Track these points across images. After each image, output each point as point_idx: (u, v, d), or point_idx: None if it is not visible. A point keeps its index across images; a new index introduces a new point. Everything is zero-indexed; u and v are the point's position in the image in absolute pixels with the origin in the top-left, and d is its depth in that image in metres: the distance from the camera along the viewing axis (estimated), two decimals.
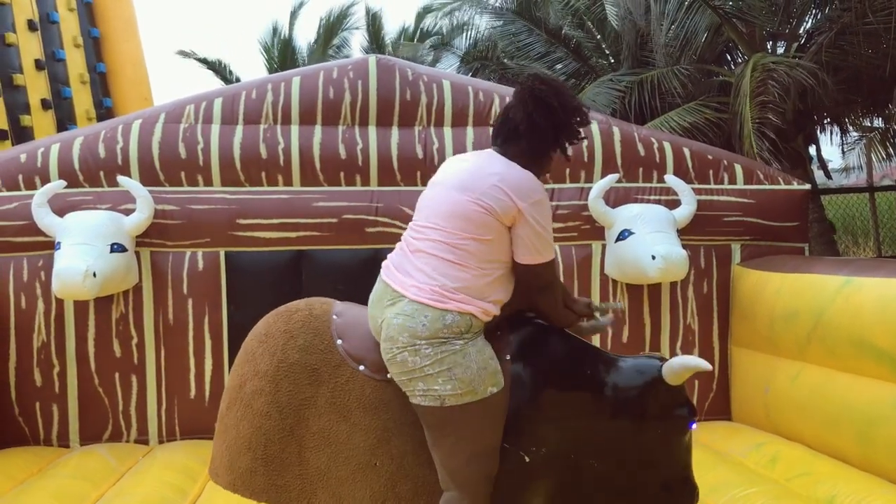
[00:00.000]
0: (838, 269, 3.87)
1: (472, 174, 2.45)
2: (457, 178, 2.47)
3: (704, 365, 2.43)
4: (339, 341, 2.61)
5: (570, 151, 2.55)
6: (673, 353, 4.73)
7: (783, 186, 4.88)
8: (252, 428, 2.61)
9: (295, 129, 4.64)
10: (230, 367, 4.40)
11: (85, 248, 4.05)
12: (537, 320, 2.65)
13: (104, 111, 9.28)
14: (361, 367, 2.57)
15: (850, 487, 3.30)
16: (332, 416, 2.54)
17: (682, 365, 2.46)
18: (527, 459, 2.48)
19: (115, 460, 4.03)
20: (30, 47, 7.81)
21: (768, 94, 7.61)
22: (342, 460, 2.54)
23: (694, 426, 2.58)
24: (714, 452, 3.98)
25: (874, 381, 3.49)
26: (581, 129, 2.54)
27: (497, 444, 2.44)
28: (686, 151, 4.85)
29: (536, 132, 2.44)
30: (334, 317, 2.68)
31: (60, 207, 4.29)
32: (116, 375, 4.43)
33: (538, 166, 2.50)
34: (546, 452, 2.49)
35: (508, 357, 2.53)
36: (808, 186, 5.02)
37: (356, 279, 4.39)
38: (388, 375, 2.51)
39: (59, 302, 4.34)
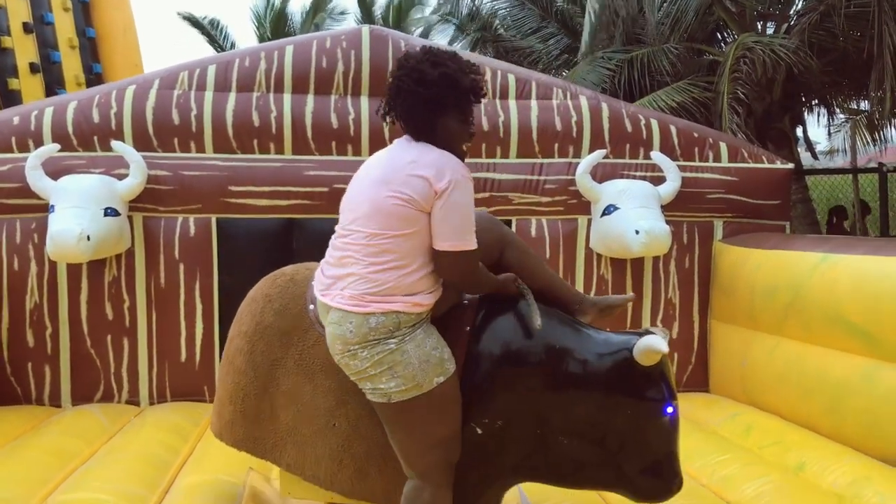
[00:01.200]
0: (816, 247, 3.98)
1: (388, 166, 2.36)
2: (375, 173, 2.38)
3: (657, 348, 2.34)
4: (311, 306, 2.65)
5: (471, 125, 2.40)
6: (654, 327, 4.84)
7: (766, 165, 4.98)
8: (233, 383, 2.77)
9: (287, 98, 4.68)
10: (220, 332, 4.50)
11: (79, 212, 4.11)
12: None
13: (93, 77, 9.24)
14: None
15: (819, 455, 3.43)
16: (298, 376, 2.64)
17: (646, 345, 2.37)
18: (479, 431, 2.48)
19: (106, 420, 4.12)
20: (18, 9, 7.77)
21: (740, 70, 7.72)
22: (306, 419, 2.64)
23: (670, 410, 2.44)
24: (691, 422, 4.11)
25: (846, 355, 3.62)
26: (467, 92, 2.35)
27: (454, 432, 2.41)
28: (672, 129, 4.93)
29: (415, 108, 2.33)
30: (313, 283, 2.76)
31: (54, 170, 4.33)
32: (108, 338, 4.50)
33: (447, 143, 2.35)
34: (502, 426, 2.48)
35: (468, 328, 2.53)
36: (790, 166, 5.12)
37: None
38: None
39: (53, 264, 4.40)
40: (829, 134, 11.49)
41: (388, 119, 2.40)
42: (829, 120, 10.57)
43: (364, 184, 2.41)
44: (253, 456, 2.81)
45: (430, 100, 2.30)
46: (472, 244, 2.33)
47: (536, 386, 2.48)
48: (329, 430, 2.61)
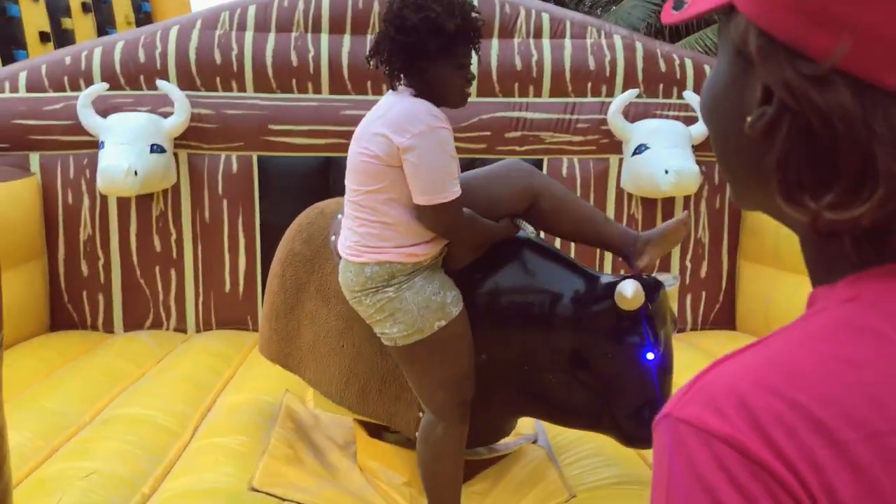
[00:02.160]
0: None
1: (365, 122, 2.35)
2: (357, 130, 2.39)
3: (625, 294, 2.35)
4: (333, 237, 2.80)
5: (470, 71, 2.32)
6: (682, 266, 4.93)
7: None
8: (269, 304, 3.04)
9: (325, 38, 4.80)
10: (262, 264, 4.73)
11: (127, 148, 4.31)
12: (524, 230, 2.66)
13: (143, 16, 9.44)
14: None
15: None
16: (318, 300, 2.85)
17: (619, 291, 2.38)
18: None
19: (155, 345, 4.39)
20: None
21: None
22: (323, 339, 2.86)
23: (650, 356, 2.44)
24: (712, 357, 4.21)
25: None
26: (454, 36, 2.24)
27: (463, 372, 2.44)
28: (707, 68, 4.93)
29: (394, 56, 2.26)
30: (339, 216, 2.93)
31: (103, 109, 4.54)
32: (157, 269, 4.75)
33: (438, 90, 2.29)
34: (487, 359, 2.57)
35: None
36: None
37: None
38: None
39: (104, 198, 4.64)
40: None
41: (371, 64, 2.34)
42: None
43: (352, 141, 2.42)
44: (285, 370, 3.07)
45: (410, 47, 2.21)
46: (447, 195, 2.25)
47: (520, 323, 2.55)
48: (339, 351, 2.80)
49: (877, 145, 0.51)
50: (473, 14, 2.29)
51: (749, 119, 0.56)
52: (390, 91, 2.36)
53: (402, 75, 2.29)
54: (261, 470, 2.71)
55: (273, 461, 2.82)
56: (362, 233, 2.34)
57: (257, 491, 2.59)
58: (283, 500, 2.57)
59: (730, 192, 0.68)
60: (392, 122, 2.22)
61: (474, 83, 2.47)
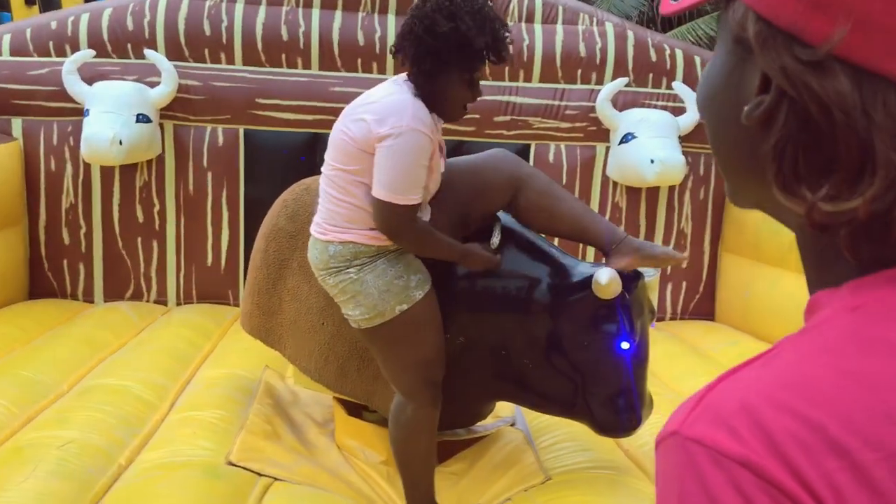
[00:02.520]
0: None
1: (356, 102, 2.34)
2: (346, 107, 2.38)
3: (601, 282, 2.37)
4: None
5: (477, 85, 2.28)
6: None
7: None
8: (252, 278, 3.04)
9: (316, 13, 4.76)
10: (245, 239, 4.71)
11: (112, 117, 4.27)
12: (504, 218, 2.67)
13: None
14: None
15: None
16: (301, 277, 2.85)
17: (595, 279, 2.40)
18: None
19: (135, 316, 4.38)
20: None
21: None
22: (304, 315, 2.87)
23: (625, 346, 2.47)
24: (689, 347, 4.27)
25: None
26: (479, 53, 2.21)
27: (429, 355, 2.42)
28: (697, 59, 4.94)
29: (419, 58, 2.22)
30: None
31: (89, 76, 4.48)
32: (139, 240, 4.73)
33: (443, 99, 2.28)
34: (465, 342, 2.58)
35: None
36: None
37: None
38: None
39: (87, 166, 4.60)
40: None
41: (396, 57, 2.31)
42: None
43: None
44: (265, 345, 3.08)
45: (435, 52, 2.19)
46: (401, 199, 2.21)
47: (497, 307, 2.56)
48: (319, 328, 2.81)
49: (875, 134, 0.50)
50: (503, 33, 2.24)
51: (746, 108, 0.55)
52: (393, 79, 2.34)
53: (416, 73, 2.26)
54: (238, 444, 2.72)
55: (250, 436, 2.82)
56: (331, 211, 2.35)
57: (234, 465, 2.60)
58: (260, 474, 2.59)
59: (727, 189, 0.67)
60: (378, 110, 2.21)
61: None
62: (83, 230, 4.68)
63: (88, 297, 4.73)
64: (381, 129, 2.18)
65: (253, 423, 2.93)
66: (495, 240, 2.55)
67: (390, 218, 2.25)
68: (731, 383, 0.53)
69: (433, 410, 2.49)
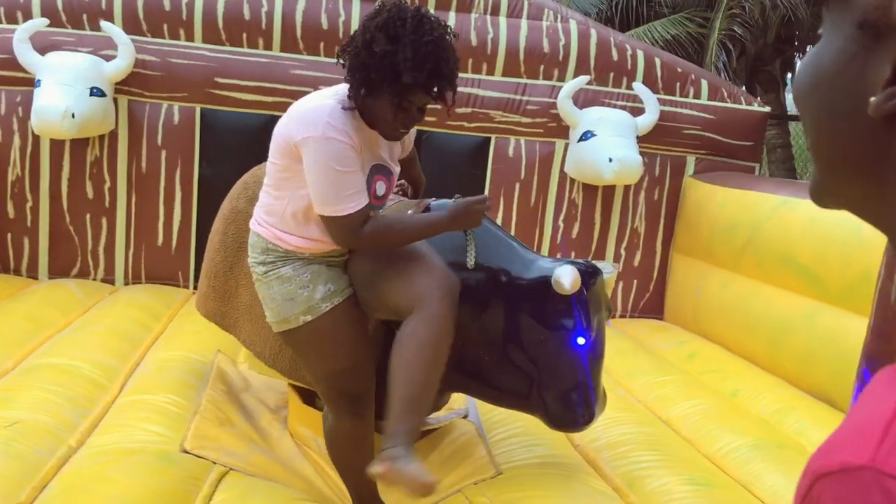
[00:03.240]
0: (778, 190, 4.14)
1: (306, 97, 2.25)
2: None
3: (560, 280, 2.37)
4: None
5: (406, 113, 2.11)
6: (617, 254, 5.03)
7: (744, 106, 5.09)
8: (209, 259, 3.01)
9: None
10: (198, 220, 4.62)
11: (65, 89, 4.15)
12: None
13: None
14: None
15: (754, 384, 3.67)
16: None
17: (555, 276, 2.41)
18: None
19: (82, 294, 4.27)
20: None
21: (738, 8, 7.74)
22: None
23: (581, 341, 2.47)
24: (639, 344, 4.34)
25: (792, 295, 3.82)
26: (408, 92, 2.05)
27: (345, 367, 2.29)
28: (657, 61, 5.00)
29: (352, 69, 2.10)
30: None
31: (42, 46, 4.34)
32: (87, 216, 4.61)
33: (371, 118, 2.15)
34: None
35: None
36: (767, 109, 5.23)
37: None
38: None
39: (36, 139, 4.46)
40: None
41: (338, 61, 2.18)
42: None
43: None
44: (218, 329, 3.04)
45: (365, 69, 2.06)
46: (338, 210, 2.11)
47: (459, 300, 2.47)
48: None
49: None
50: (448, 70, 2.08)
51: (875, 99, 0.51)
52: (342, 84, 2.20)
53: (349, 82, 2.13)
54: (192, 431, 2.67)
55: (204, 422, 2.78)
56: (261, 199, 2.30)
57: (188, 453, 2.55)
58: (215, 463, 2.55)
59: (814, 186, 0.62)
60: (299, 115, 2.12)
61: None
62: (29, 204, 4.54)
63: (32, 274, 4.60)
64: (296, 135, 2.09)
65: (206, 409, 2.89)
66: (471, 260, 2.54)
67: (336, 231, 2.16)
68: None
69: (353, 421, 2.35)
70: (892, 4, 0.50)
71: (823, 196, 0.61)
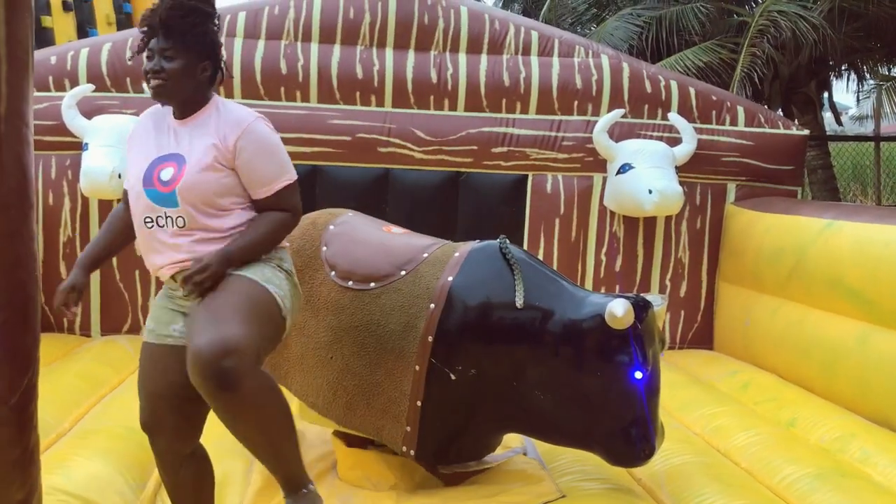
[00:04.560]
0: (823, 213, 4.08)
1: None
2: None
3: (615, 314, 2.40)
4: (324, 248, 2.87)
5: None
6: (662, 285, 4.98)
7: (782, 131, 5.05)
8: None
9: (315, 47, 4.79)
10: None
11: (111, 150, 4.27)
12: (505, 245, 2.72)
13: (124, 16, 9.34)
14: (332, 273, 2.83)
15: (811, 412, 3.58)
16: (307, 311, 2.81)
17: (610, 310, 2.42)
18: (452, 377, 2.61)
19: (133, 350, 4.33)
20: None
21: (768, 32, 7.73)
22: (311, 350, 2.84)
23: (639, 375, 2.48)
24: (691, 376, 4.27)
25: (843, 318, 3.74)
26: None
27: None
28: (691, 90, 5.00)
29: None
30: (331, 227, 2.95)
31: (88, 110, 4.49)
32: (136, 273, 4.70)
33: None
34: (476, 374, 2.60)
35: (451, 278, 2.64)
36: (806, 132, 5.18)
37: (367, 196, 4.65)
38: (349, 283, 2.77)
39: (85, 200, 4.59)
40: (858, 100, 11.43)
41: None
42: (858, 86, 10.50)
43: None
44: None
45: None
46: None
47: (510, 339, 2.57)
48: (327, 362, 2.79)
49: None
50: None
51: None
52: None
53: None
54: (250, 497, 2.69)
55: (262, 479, 2.79)
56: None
57: None
58: None
59: None
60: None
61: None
62: None
63: (85, 331, 4.69)
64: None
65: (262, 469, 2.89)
66: (520, 300, 2.55)
67: None
68: None
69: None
70: None
71: None
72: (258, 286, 2.20)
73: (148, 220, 2.26)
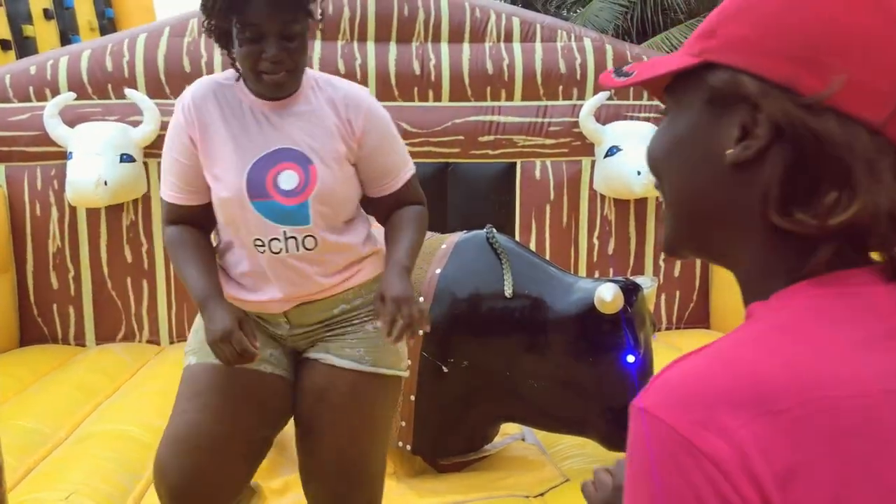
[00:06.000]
0: None
1: None
2: None
3: (604, 298, 2.39)
4: None
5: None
6: (656, 266, 4.97)
7: None
8: None
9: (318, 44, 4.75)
10: None
11: (96, 158, 4.25)
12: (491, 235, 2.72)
13: (106, 22, 9.30)
14: None
15: None
16: None
17: (599, 294, 2.42)
18: (444, 370, 2.61)
19: (128, 358, 4.33)
20: None
21: None
22: None
23: (631, 359, 2.49)
24: None
25: None
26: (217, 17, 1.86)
27: (175, 424, 2.01)
28: None
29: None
30: None
31: (71, 119, 4.46)
32: (128, 280, 4.68)
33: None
34: (469, 366, 2.60)
35: (438, 270, 2.63)
36: None
37: None
38: None
39: (73, 209, 4.56)
40: None
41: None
42: None
43: None
44: None
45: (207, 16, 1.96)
46: (162, 190, 1.92)
47: (501, 329, 2.57)
48: None
49: (854, 163, 0.62)
50: None
51: (731, 152, 0.66)
52: None
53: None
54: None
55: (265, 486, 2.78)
56: None
57: None
58: None
59: (669, 238, 0.76)
60: None
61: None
62: (71, 273, 4.63)
63: (80, 341, 4.67)
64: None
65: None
66: (508, 290, 2.53)
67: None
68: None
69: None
70: (742, 80, 0.66)
71: (677, 247, 0.76)
72: (400, 383, 1.87)
73: (258, 242, 1.76)
